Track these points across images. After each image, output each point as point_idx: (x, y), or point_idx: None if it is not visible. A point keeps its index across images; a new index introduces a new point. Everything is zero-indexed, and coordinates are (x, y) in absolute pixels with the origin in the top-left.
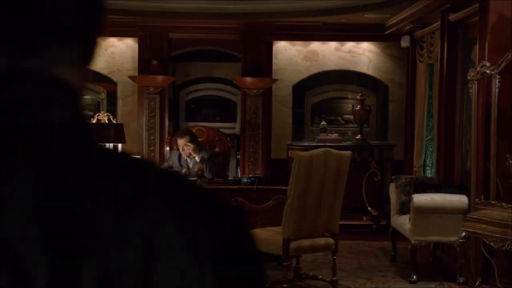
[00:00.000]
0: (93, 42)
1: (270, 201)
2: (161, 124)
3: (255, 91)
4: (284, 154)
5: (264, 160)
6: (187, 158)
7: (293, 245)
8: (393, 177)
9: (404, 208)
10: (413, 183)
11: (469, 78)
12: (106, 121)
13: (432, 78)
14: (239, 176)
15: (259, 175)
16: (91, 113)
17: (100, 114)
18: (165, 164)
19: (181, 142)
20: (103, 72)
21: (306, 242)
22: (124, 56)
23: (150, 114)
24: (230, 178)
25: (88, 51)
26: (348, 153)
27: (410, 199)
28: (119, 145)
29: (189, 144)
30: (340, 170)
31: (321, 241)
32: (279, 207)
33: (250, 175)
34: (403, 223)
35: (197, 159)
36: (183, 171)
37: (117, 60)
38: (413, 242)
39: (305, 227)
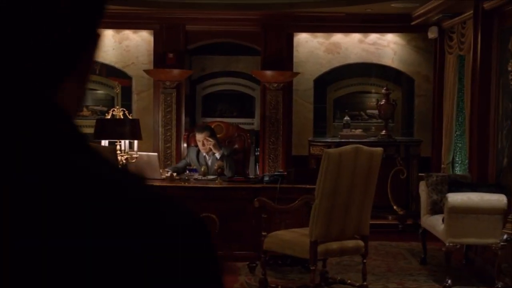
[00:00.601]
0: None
1: (296, 201)
2: (178, 120)
3: (275, 85)
4: (306, 150)
5: (285, 157)
6: (206, 155)
7: (321, 248)
8: (423, 174)
9: (436, 208)
10: (446, 182)
11: (510, 69)
12: (121, 117)
13: (463, 71)
14: (259, 174)
15: (282, 173)
16: (105, 109)
17: (115, 109)
18: (183, 162)
19: (200, 137)
20: (117, 66)
21: (334, 245)
22: (139, 49)
23: (167, 110)
24: (251, 176)
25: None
26: (379, 149)
27: (441, 198)
28: (135, 142)
29: (209, 139)
30: (371, 168)
31: (350, 243)
32: (305, 207)
33: (273, 173)
34: (435, 224)
35: (217, 155)
36: (202, 168)
37: (132, 53)
38: (447, 244)
39: (333, 229)
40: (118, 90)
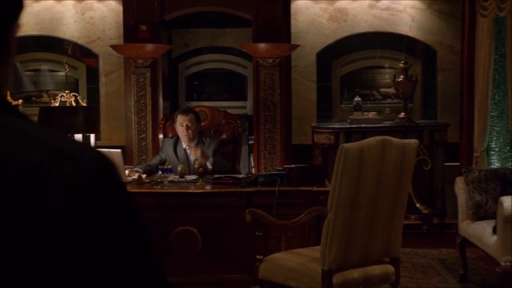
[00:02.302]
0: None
1: (303, 215)
2: (154, 105)
3: (270, 60)
4: (309, 139)
5: (284, 147)
6: (187, 147)
7: (337, 278)
8: (462, 169)
9: (480, 212)
10: (493, 178)
11: None
12: (73, 103)
13: (500, 37)
14: (254, 168)
15: (281, 172)
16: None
17: (64, 95)
18: (157, 158)
19: (184, 119)
20: (80, 42)
21: (355, 273)
22: (105, 21)
23: (139, 93)
24: (242, 175)
25: None
26: (414, 142)
27: (487, 200)
28: (92, 137)
29: (193, 123)
30: (403, 168)
31: (376, 270)
32: (314, 219)
33: (270, 172)
34: (481, 234)
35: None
36: (179, 167)
37: (98, 26)
38: (503, 264)
39: (354, 252)
40: (66, 69)
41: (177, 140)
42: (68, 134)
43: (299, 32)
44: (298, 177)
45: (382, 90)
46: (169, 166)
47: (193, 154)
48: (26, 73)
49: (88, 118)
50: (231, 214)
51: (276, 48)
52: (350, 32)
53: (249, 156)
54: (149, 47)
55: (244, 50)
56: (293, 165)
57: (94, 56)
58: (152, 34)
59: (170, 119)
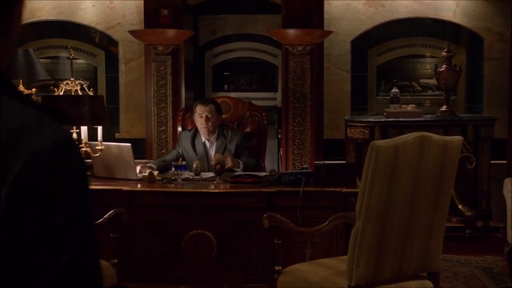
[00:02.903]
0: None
1: (327, 222)
2: (175, 96)
3: (300, 48)
4: (341, 133)
5: (314, 142)
6: (207, 141)
7: None
8: None
9: None
10: None
11: None
12: (79, 92)
13: None
14: (282, 165)
15: (307, 171)
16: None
17: (69, 82)
18: (173, 153)
19: (204, 110)
20: (99, 27)
21: None
22: (126, 5)
23: (160, 83)
24: (265, 173)
25: None
26: (457, 139)
27: None
28: (99, 129)
29: (214, 115)
30: (444, 169)
31: (412, 286)
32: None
33: (295, 170)
34: None
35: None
36: (194, 164)
37: (118, 11)
38: None
39: (386, 266)
40: (71, 54)
41: (195, 132)
42: (41, 114)
43: (333, 18)
44: (325, 176)
45: (422, 81)
46: (184, 163)
47: (226, 162)
48: (42, 60)
49: (94, 109)
50: (250, 217)
51: (306, 34)
52: (388, 18)
53: (278, 151)
54: (170, 32)
55: (274, 37)
56: (321, 163)
57: (113, 42)
58: (175, 19)
59: (190, 110)
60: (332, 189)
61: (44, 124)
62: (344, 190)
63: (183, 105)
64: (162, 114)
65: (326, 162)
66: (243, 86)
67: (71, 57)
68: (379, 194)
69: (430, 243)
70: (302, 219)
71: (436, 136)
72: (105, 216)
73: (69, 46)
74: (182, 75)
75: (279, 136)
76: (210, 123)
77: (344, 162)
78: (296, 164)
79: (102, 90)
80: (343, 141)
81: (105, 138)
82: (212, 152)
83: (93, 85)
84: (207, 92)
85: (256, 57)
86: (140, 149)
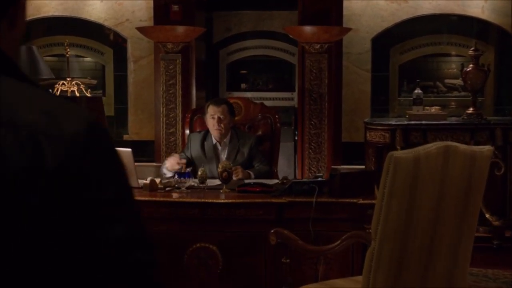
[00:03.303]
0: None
1: (340, 241)
2: (185, 96)
3: (317, 46)
4: (361, 136)
5: (332, 145)
6: (218, 143)
7: None
8: None
9: None
10: None
11: None
12: (76, 93)
13: None
14: (296, 174)
15: (321, 180)
16: (94, 82)
17: (66, 82)
18: (181, 157)
19: (215, 111)
20: (106, 24)
21: None
22: (135, 2)
23: (169, 82)
24: (276, 181)
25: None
26: (487, 149)
27: None
28: None
29: (226, 116)
30: (472, 183)
31: None
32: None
33: (307, 179)
34: None
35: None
36: (199, 172)
37: (126, 7)
38: None
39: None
40: (68, 52)
41: (206, 134)
42: (61, 97)
43: (353, 14)
44: (341, 185)
45: (448, 81)
46: (188, 170)
47: (234, 174)
48: (48, 58)
49: (92, 111)
50: (258, 229)
51: (324, 31)
52: (411, 14)
53: (294, 153)
54: (180, 29)
55: (290, 35)
56: (336, 172)
57: (122, 39)
58: (185, 15)
59: (198, 112)
60: (347, 200)
61: (71, 107)
62: (361, 201)
63: (193, 106)
64: (171, 115)
65: (343, 167)
66: (259, 86)
67: (67, 55)
68: (397, 211)
69: (455, 265)
70: (315, 232)
71: (462, 146)
72: None
73: (65, 44)
74: (193, 74)
75: (296, 138)
76: (222, 125)
77: (361, 169)
78: (312, 169)
79: (110, 89)
80: (362, 144)
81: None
82: (223, 156)
83: (101, 84)
84: (221, 92)
85: (272, 56)
86: (150, 151)
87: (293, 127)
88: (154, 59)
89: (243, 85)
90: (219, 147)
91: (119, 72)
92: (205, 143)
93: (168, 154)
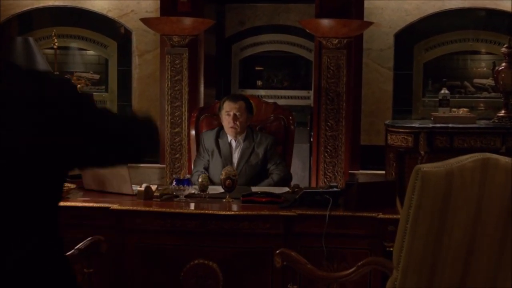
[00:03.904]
0: None
1: (355, 269)
2: (192, 93)
3: (335, 41)
4: (381, 139)
5: (349, 149)
6: (233, 140)
7: None
8: None
9: None
10: None
11: None
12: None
13: None
14: (310, 179)
15: (335, 190)
16: (96, 76)
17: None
18: (199, 165)
19: (231, 107)
20: (110, 15)
21: None
22: None
23: (174, 78)
24: (286, 190)
25: None
26: None
27: None
28: None
29: (242, 113)
30: None
31: None
32: (374, 271)
33: (320, 189)
34: None
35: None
36: (200, 179)
37: None
38: None
39: None
40: (55, 44)
41: (219, 131)
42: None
43: (374, 8)
44: (358, 197)
45: (477, 81)
46: (187, 176)
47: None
48: (49, 51)
49: None
50: (264, 245)
51: (342, 25)
52: (438, 8)
53: (309, 155)
54: (187, 21)
55: (307, 29)
56: (353, 182)
57: (127, 32)
58: (195, 7)
59: (206, 111)
60: (365, 214)
61: (52, 74)
62: (381, 215)
63: (201, 104)
64: (176, 113)
65: (361, 172)
66: (274, 83)
67: (54, 46)
68: (425, 236)
69: None
70: (328, 249)
71: (503, 159)
72: (77, 247)
73: (53, 34)
74: (201, 70)
75: (311, 139)
76: (238, 123)
77: (382, 179)
78: (328, 174)
79: (113, 84)
80: (382, 148)
81: None
82: (237, 154)
83: (104, 79)
84: (233, 89)
85: (288, 51)
86: (155, 153)
87: (308, 128)
88: (160, 53)
89: (258, 82)
90: (234, 145)
91: (123, 67)
92: (219, 140)
93: (173, 155)
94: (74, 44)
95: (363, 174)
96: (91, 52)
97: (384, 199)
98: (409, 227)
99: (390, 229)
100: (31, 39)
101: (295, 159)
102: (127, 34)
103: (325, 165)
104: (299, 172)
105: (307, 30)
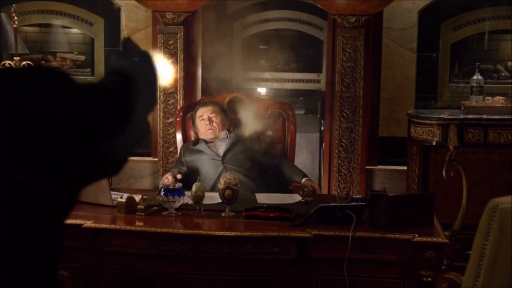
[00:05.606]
0: None
1: None
2: (188, 78)
3: (352, 19)
4: (403, 130)
5: (367, 141)
6: (214, 141)
7: None
8: None
9: None
10: None
11: None
12: None
13: None
14: (322, 178)
15: (359, 203)
16: (82, 57)
17: (11, 63)
18: (176, 171)
19: (203, 111)
20: None
21: None
22: None
23: (168, 61)
24: (298, 199)
25: None
26: None
27: None
28: None
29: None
30: None
31: None
32: None
33: (341, 203)
34: None
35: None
36: (193, 188)
37: None
38: None
39: None
40: (15, 20)
41: (197, 140)
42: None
43: None
44: (387, 213)
45: (511, 64)
46: (177, 184)
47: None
48: (28, 28)
49: None
50: (272, 273)
51: (361, 2)
52: None
53: (320, 147)
54: None
55: (319, 5)
56: (382, 191)
57: (114, 9)
58: None
59: (193, 108)
60: (397, 235)
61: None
62: (417, 238)
63: (199, 91)
64: (170, 101)
65: (380, 167)
66: (280, 65)
67: (14, 25)
68: (505, 282)
69: None
70: (351, 278)
71: None
72: None
73: (12, 10)
74: (199, 51)
75: (322, 128)
76: (214, 124)
77: (417, 193)
78: (342, 171)
79: (100, 66)
80: (404, 140)
81: None
82: (222, 150)
83: (90, 60)
84: (235, 71)
85: (297, 30)
86: (146, 144)
87: (319, 115)
88: (152, 32)
89: (262, 62)
90: (217, 143)
91: (111, 47)
92: (198, 145)
93: (167, 149)
94: (56, 22)
95: (381, 171)
96: (75, 31)
97: (420, 216)
98: (483, 272)
99: (428, 256)
100: (3, 15)
101: (304, 150)
102: (115, 10)
103: (340, 161)
104: (308, 164)
105: (319, 7)
